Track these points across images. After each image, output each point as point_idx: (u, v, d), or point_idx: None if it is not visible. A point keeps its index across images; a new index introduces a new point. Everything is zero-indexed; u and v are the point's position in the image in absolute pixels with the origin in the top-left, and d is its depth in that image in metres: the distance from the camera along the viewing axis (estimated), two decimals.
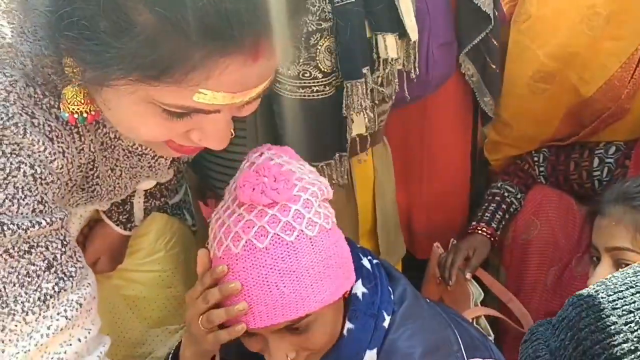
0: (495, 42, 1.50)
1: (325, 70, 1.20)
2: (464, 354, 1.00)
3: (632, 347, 0.53)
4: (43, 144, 0.74)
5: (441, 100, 1.52)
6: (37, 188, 0.74)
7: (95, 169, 0.89)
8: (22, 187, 0.72)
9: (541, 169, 1.67)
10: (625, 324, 0.54)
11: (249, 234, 0.89)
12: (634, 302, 0.55)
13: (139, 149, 0.93)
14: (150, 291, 1.33)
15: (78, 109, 0.73)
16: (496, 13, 1.46)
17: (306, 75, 1.20)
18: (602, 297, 0.57)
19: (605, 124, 1.59)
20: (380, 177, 1.43)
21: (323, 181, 0.97)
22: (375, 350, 0.98)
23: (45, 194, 0.75)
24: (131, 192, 1.05)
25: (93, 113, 0.74)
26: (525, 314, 1.53)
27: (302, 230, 0.90)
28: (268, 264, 0.88)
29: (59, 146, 0.76)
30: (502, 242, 1.65)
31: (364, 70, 1.21)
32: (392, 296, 1.03)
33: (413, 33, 1.25)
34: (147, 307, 1.34)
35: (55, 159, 0.75)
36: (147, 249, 1.31)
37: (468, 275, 1.52)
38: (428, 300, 1.10)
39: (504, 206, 1.64)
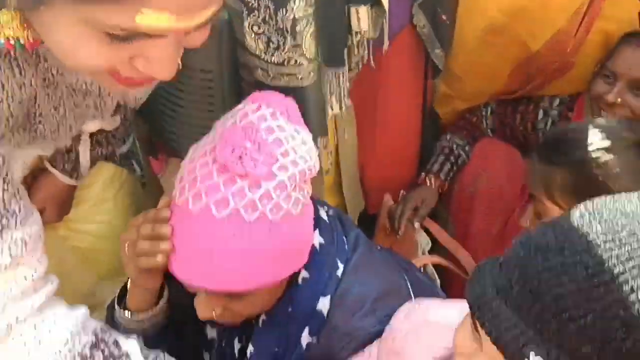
0: None
1: (310, 57, 1.18)
2: (413, 297, 1.04)
3: (577, 287, 0.54)
4: None
5: (393, 53, 1.51)
6: None
7: (37, 107, 0.85)
8: None
9: (489, 121, 1.70)
10: (572, 264, 0.55)
11: (211, 199, 0.86)
12: (581, 243, 0.56)
13: (84, 86, 0.90)
14: (99, 242, 1.31)
15: (14, 34, 0.67)
16: None
17: (291, 62, 1.18)
18: (550, 239, 0.58)
19: (551, 78, 1.63)
20: (345, 135, 1.43)
21: (312, 157, 0.92)
22: (328, 297, 0.99)
23: None
24: (76, 134, 1.02)
25: (31, 40, 0.69)
26: (471, 262, 1.57)
27: (264, 213, 0.87)
28: (217, 236, 0.86)
29: None
30: (450, 193, 1.68)
31: (345, 56, 1.21)
32: (346, 246, 1.04)
33: (385, 2, 1.23)
34: (97, 258, 1.33)
35: None
36: (94, 199, 1.29)
37: (416, 225, 1.56)
38: (379, 248, 1.13)
39: (452, 158, 1.67)
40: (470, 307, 0.63)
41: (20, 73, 0.78)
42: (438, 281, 1.47)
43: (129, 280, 1.03)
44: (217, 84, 1.26)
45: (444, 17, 1.51)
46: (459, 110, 1.76)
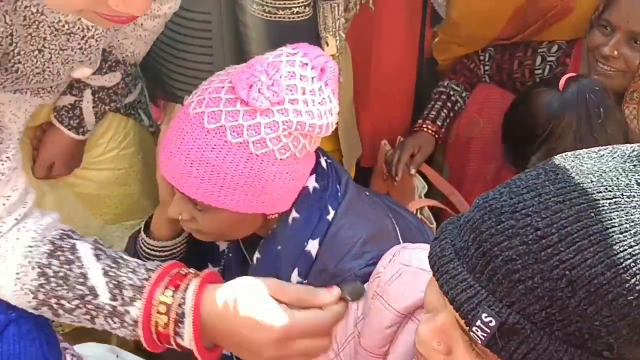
0: None
1: None
2: (400, 240, 1.07)
3: (526, 250, 0.55)
4: None
5: (389, 1, 1.51)
6: None
7: (14, 45, 0.86)
8: None
9: (486, 67, 1.70)
10: (522, 227, 0.55)
11: (207, 108, 0.92)
12: (532, 205, 0.56)
13: (66, 26, 0.91)
14: (104, 189, 1.35)
15: None
16: None
17: None
18: (504, 200, 0.58)
19: (550, 23, 1.62)
20: (340, 77, 1.43)
21: (324, 118, 0.95)
22: (317, 240, 1.03)
23: None
24: (67, 79, 1.03)
25: None
26: (465, 206, 1.61)
27: (247, 142, 0.91)
28: (197, 143, 0.92)
29: None
30: (447, 139, 1.70)
31: None
32: (339, 193, 1.06)
33: None
34: (102, 204, 1.37)
35: None
36: (100, 148, 1.32)
37: (413, 171, 1.58)
38: (367, 193, 1.16)
39: (449, 104, 1.68)
40: (431, 267, 0.64)
41: None
42: (434, 224, 1.51)
43: (157, 211, 1.10)
44: (215, 25, 1.27)
45: None
46: (457, 57, 1.75)
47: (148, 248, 1.13)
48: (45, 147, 1.22)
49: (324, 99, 0.96)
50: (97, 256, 0.87)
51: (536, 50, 1.64)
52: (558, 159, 0.61)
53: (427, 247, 0.94)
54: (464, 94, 1.69)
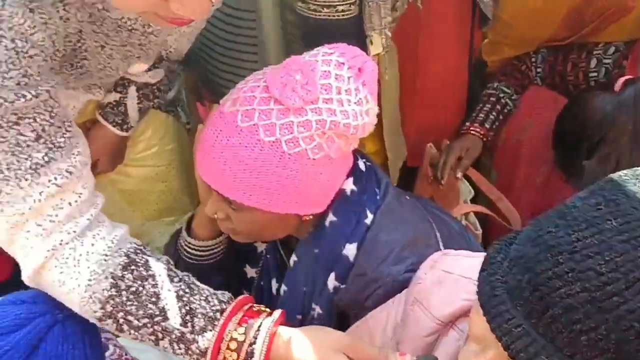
0: None
1: None
2: (441, 246, 1.04)
3: (589, 297, 0.50)
4: (23, 15, 0.73)
5: (437, 1, 1.47)
6: (20, 61, 0.74)
7: (82, 41, 0.88)
8: (5, 61, 0.73)
9: (538, 69, 1.64)
10: (583, 271, 0.51)
11: (241, 107, 0.92)
12: (594, 244, 0.51)
13: (128, 22, 0.92)
14: (144, 185, 1.36)
15: None
16: None
17: None
18: (562, 237, 0.53)
19: (607, 23, 1.55)
20: (386, 76, 1.39)
21: (359, 119, 0.94)
22: (355, 244, 1.01)
23: (30, 67, 0.76)
24: (122, 74, 1.04)
25: None
26: (513, 212, 1.56)
27: (280, 141, 0.91)
28: (231, 142, 0.92)
29: (40, 17, 0.76)
30: (495, 143, 1.65)
31: None
32: (377, 197, 1.05)
33: None
34: (143, 201, 1.38)
35: (36, 31, 0.75)
36: (142, 145, 1.33)
37: (459, 175, 1.54)
38: (408, 197, 1.13)
39: (498, 107, 1.62)
40: (481, 306, 0.59)
41: (64, 8, 0.80)
42: (480, 231, 1.47)
43: (199, 210, 1.11)
44: (262, 24, 1.27)
45: None
46: (508, 58, 1.70)
47: (189, 247, 1.13)
48: (91, 144, 1.19)
49: (360, 99, 0.94)
50: (171, 277, 0.88)
51: (591, 52, 1.57)
52: (617, 180, 0.56)
53: (469, 254, 0.92)
54: (514, 97, 1.64)
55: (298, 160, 0.93)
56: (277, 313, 0.89)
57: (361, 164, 1.06)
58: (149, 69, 1.20)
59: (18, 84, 0.74)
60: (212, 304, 0.87)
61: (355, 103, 0.94)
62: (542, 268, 0.53)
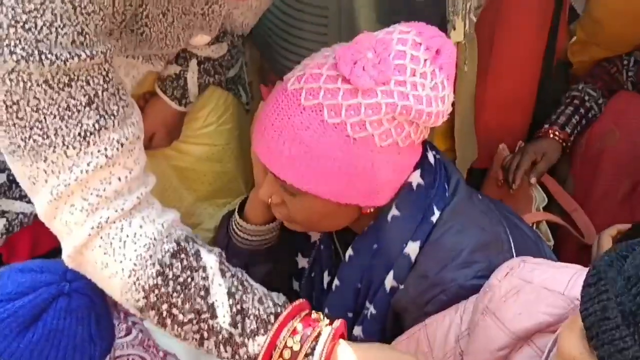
0: None
1: None
2: (514, 253, 0.97)
3: None
4: None
5: None
6: (77, 17, 0.70)
7: (144, 6, 0.85)
8: (61, 15, 0.69)
9: (630, 73, 1.55)
10: None
11: (306, 84, 0.88)
12: None
13: None
14: (200, 164, 1.34)
15: None
16: None
17: None
18: None
19: None
20: (465, 67, 1.30)
21: (434, 105, 0.89)
22: (418, 243, 0.95)
23: (87, 25, 0.72)
24: (184, 46, 1.02)
25: None
26: (589, 226, 1.48)
27: (345, 123, 0.87)
28: (293, 121, 0.88)
29: None
30: (575, 149, 1.55)
31: None
32: (447, 193, 0.99)
33: None
34: (197, 180, 1.36)
35: None
36: (199, 122, 1.31)
37: (533, 180, 1.46)
38: (480, 197, 1.06)
39: (582, 110, 1.53)
40: (587, 329, 0.53)
41: None
42: (552, 241, 1.39)
43: (253, 193, 1.07)
44: (332, 20, 1.22)
45: None
46: (596, 60, 1.60)
47: (241, 230, 1.10)
48: (148, 117, 1.20)
49: (436, 83, 0.88)
50: (222, 272, 0.82)
51: None
52: None
53: (552, 263, 0.84)
54: (600, 101, 1.54)
55: (363, 146, 0.87)
56: (338, 322, 0.82)
57: (430, 157, 1.00)
58: (212, 43, 1.17)
59: (73, 41, 0.70)
60: (266, 305, 0.81)
61: (430, 88, 0.88)
62: None
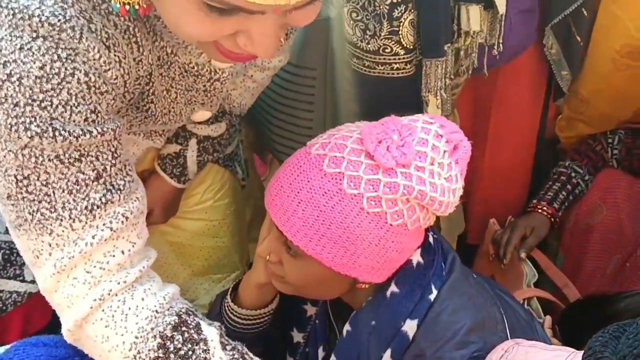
0: (585, 13, 1.42)
1: (408, 46, 1.17)
2: (508, 334, 0.99)
3: None
4: (99, 51, 0.74)
5: (514, 70, 1.45)
6: (90, 97, 0.74)
7: (151, 84, 0.89)
8: (76, 94, 0.73)
9: (615, 151, 1.61)
10: None
11: (330, 152, 0.92)
12: None
13: (196, 67, 0.93)
14: (195, 239, 1.36)
15: (132, 0, 0.72)
16: None
17: (387, 50, 1.17)
18: None
19: None
20: None
21: (446, 196, 0.93)
22: (416, 321, 0.97)
23: (99, 104, 0.76)
24: (186, 121, 1.05)
25: (145, 5, 0.72)
26: None
27: (362, 195, 0.89)
28: (311, 185, 0.91)
29: (115, 55, 0.76)
30: (563, 225, 1.60)
31: (445, 48, 1.18)
32: (443, 272, 1.02)
33: (501, 6, 1.19)
34: (192, 255, 1.37)
35: (110, 68, 0.76)
36: (196, 198, 1.33)
37: (522, 255, 1.49)
38: (475, 276, 1.09)
39: (569, 187, 1.59)
40: None
41: (139, 50, 0.81)
42: (543, 318, 1.40)
43: (247, 276, 1.09)
44: (319, 82, 1.29)
45: (578, 37, 1.44)
46: (583, 136, 1.67)
47: (233, 314, 1.11)
48: (147, 194, 1.23)
49: (450, 175, 0.93)
50: (223, 345, 0.85)
51: None
52: None
53: (545, 346, 0.87)
54: (586, 177, 1.60)
55: (375, 221, 0.91)
56: None
57: (429, 236, 1.04)
58: (212, 122, 1.22)
59: (86, 119, 0.74)
60: None
61: (445, 178, 0.92)
62: None
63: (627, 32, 1.43)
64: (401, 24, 1.14)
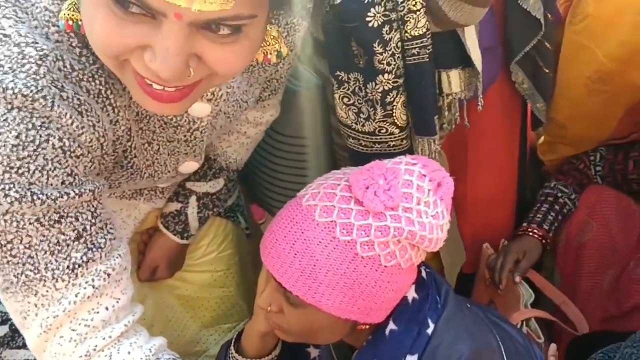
0: (548, 46, 1.49)
1: (402, 125, 1.22)
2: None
3: None
4: (71, 117, 0.76)
5: (487, 103, 1.50)
6: (66, 160, 0.77)
7: (132, 141, 0.92)
8: (52, 159, 0.76)
9: (597, 168, 1.67)
10: None
11: (320, 202, 0.96)
12: None
13: (174, 119, 0.96)
14: (203, 291, 1.40)
15: (73, 16, 0.75)
16: (549, 16, 1.44)
17: (382, 131, 1.22)
18: None
19: None
20: None
21: (434, 233, 0.98)
22: (416, 356, 1.02)
23: (76, 167, 0.78)
24: (173, 174, 1.08)
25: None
26: (580, 316, 1.54)
27: (355, 242, 0.94)
28: (305, 235, 0.95)
29: (88, 120, 0.79)
30: (556, 244, 1.65)
31: (435, 120, 1.23)
32: (439, 305, 1.06)
33: (479, 65, 1.25)
34: (201, 307, 1.42)
35: (83, 132, 0.78)
36: (200, 251, 1.38)
37: (517, 279, 1.52)
38: (469, 305, 1.14)
39: (556, 207, 1.64)
40: None
41: (114, 111, 0.85)
42: (542, 338, 1.43)
43: (249, 326, 1.13)
44: (311, 149, 1.34)
45: (546, 70, 1.50)
46: (565, 157, 1.73)
47: None
48: (151, 251, 1.29)
49: (437, 212, 0.98)
50: None
51: None
52: None
53: None
54: (573, 196, 1.66)
55: (369, 265, 0.96)
56: None
57: (422, 272, 1.09)
58: (210, 179, 1.28)
59: (63, 182, 0.77)
60: None
61: (432, 216, 0.98)
62: None
63: (595, 58, 1.49)
64: (394, 107, 1.20)
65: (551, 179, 1.71)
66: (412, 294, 1.06)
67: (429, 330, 1.03)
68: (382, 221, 0.95)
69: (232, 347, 1.16)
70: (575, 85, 1.56)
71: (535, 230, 1.61)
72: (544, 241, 1.61)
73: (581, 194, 1.66)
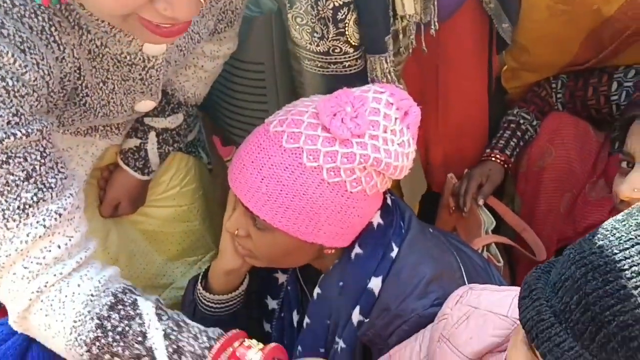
0: None
1: (355, 43, 1.22)
2: (466, 280, 1.08)
3: None
4: (12, 55, 0.75)
5: (455, 28, 1.50)
6: (11, 100, 0.76)
7: (82, 79, 0.91)
8: None
9: (559, 95, 1.69)
10: (635, 287, 0.52)
11: (288, 128, 0.97)
12: None
13: (128, 57, 0.95)
14: (166, 226, 1.41)
15: None
16: None
17: (337, 50, 1.22)
18: (607, 257, 0.55)
19: (626, 45, 1.58)
20: None
21: (400, 160, 1.00)
22: (380, 278, 1.06)
23: (21, 106, 0.78)
24: (130, 112, 1.08)
25: None
26: (538, 244, 1.59)
27: (322, 167, 0.96)
28: (272, 161, 0.97)
29: (32, 58, 0.78)
30: (517, 170, 1.69)
31: (386, 39, 1.22)
32: (402, 230, 1.09)
33: None
34: (165, 241, 1.43)
35: (27, 71, 0.77)
36: (162, 186, 1.38)
37: (480, 202, 1.57)
38: (431, 230, 1.17)
39: (519, 133, 1.67)
40: (527, 332, 0.61)
41: (59, 48, 0.83)
42: (502, 263, 1.49)
43: (215, 264, 1.15)
44: (269, 75, 1.33)
45: None
46: (528, 84, 1.75)
47: (205, 300, 1.18)
48: (112, 188, 1.29)
49: (403, 141, 1.00)
50: (159, 316, 0.90)
51: (612, 75, 1.61)
52: None
53: (496, 288, 0.96)
54: (534, 123, 1.69)
55: (335, 190, 0.98)
56: (269, 347, 0.92)
57: (388, 198, 1.12)
58: (169, 114, 1.26)
59: (8, 122, 0.76)
60: (200, 341, 0.89)
61: (398, 144, 1.00)
62: (592, 287, 0.55)
63: None
64: (346, 24, 1.19)
65: (514, 106, 1.73)
66: (377, 220, 1.08)
67: (393, 254, 1.07)
68: (349, 148, 0.96)
69: (199, 284, 1.18)
70: (538, 7, 1.55)
71: (497, 155, 1.64)
72: (506, 166, 1.65)
73: (542, 120, 1.69)
